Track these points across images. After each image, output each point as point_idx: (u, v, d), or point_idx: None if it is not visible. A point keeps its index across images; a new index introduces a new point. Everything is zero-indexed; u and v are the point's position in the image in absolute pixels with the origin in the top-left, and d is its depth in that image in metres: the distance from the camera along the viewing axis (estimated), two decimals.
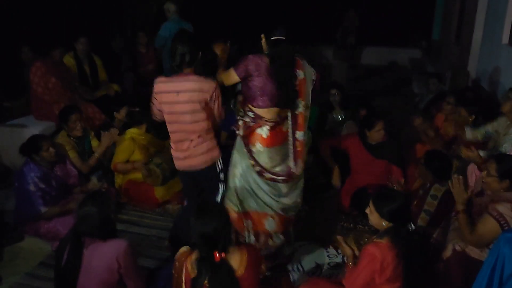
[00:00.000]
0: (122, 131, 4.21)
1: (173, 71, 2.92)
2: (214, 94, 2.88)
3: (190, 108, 2.87)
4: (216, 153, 3.06)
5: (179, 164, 3.07)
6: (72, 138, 3.96)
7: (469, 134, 3.94)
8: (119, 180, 4.14)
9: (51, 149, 3.42)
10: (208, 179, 3.09)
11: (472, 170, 3.45)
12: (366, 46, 11.42)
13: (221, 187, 3.15)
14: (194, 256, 2.22)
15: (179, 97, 2.86)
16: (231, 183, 3.17)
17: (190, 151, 2.97)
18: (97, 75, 5.35)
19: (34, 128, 4.52)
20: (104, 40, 6.66)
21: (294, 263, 3.31)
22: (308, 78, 3.08)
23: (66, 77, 4.74)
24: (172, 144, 3.06)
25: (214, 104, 2.93)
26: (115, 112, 4.51)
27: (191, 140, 2.95)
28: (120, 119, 4.52)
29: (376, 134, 4.00)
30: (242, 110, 3.17)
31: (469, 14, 7.02)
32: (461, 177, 2.80)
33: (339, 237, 2.70)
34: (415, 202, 3.38)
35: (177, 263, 2.28)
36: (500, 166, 2.67)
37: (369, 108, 4.97)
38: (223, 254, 2.16)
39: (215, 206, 2.32)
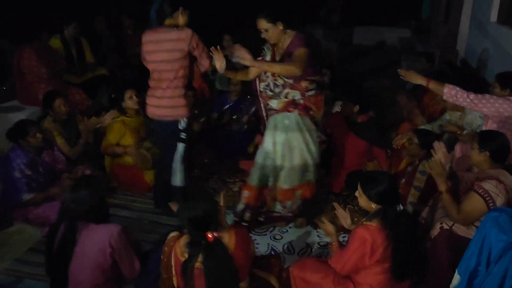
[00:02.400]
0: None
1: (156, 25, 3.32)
2: (192, 41, 3.17)
3: (167, 57, 3.19)
4: (181, 111, 3.35)
5: (150, 111, 3.44)
6: (58, 123, 3.90)
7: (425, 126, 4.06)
8: (108, 165, 4.11)
9: (38, 135, 3.37)
10: (169, 133, 3.41)
11: (460, 147, 3.47)
12: (354, 25, 11.33)
13: (181, 147, 3.39)
14: (183, 240, 2.22)
15: (158, 46, 3.19)
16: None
17: (160, 101, 3.31)
18: (84, 58, 5.28)
19: (19, 112, 4.47)
20: (87, 20, 6.52)
21: (285, 244, 3.34)
22: None
23: (53, 61, 4.67)
24: (148, 91, 3.40)
25: (195, 52, 3.23)
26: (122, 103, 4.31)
27: (164, 89, 3.27)
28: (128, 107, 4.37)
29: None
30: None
31: None
32: (441, 143, 2.84)
33: (323, 218, 2.76)
34: (403, 180, 3.41)
35: (166, 248, 2.28)
36: (481, 137, 2.74)
37: (356, 87, 4.97)
38: (215, 234, 2.16)
39: (201, 189, 2.33)
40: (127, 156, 4.02)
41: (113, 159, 4.09)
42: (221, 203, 2.52)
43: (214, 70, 5.71)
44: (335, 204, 2.79)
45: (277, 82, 3.19)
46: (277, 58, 3.21)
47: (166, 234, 2.45)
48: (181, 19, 3.25)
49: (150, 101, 3.40)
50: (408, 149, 3.55)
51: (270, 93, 3.24)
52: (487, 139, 2.70)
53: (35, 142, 3.37)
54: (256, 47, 3.24)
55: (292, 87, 3.18)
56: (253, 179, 3.38)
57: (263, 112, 3.40)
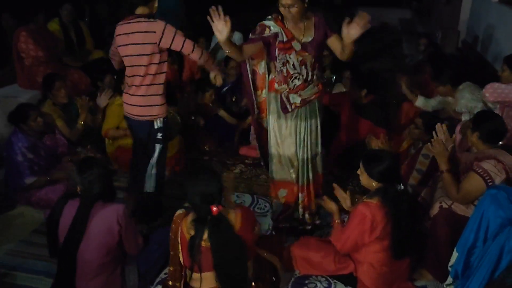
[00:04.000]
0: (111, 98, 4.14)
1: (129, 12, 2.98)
2: (164, 33, 2.82)
3: (137, 51, 2.88)
4: (156, 111, 3.03)
5: (124, 109, 3.13)
6: (58, 106, 3.90)
7: (420, 102, 4.13)
8: (109, 148, 4.13)
9: (39, 119, 3.38)
10: (143, 133, 3.11)
11: (459, 129, 3.47)
12: (355, 6, 11.21)
13: (157, 148, 3.13)
14: (190, 217, 2.25)
15: (129, 39, 2.89)
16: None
17: (132, 99, 3.02)
18: (84, 42, 5.25)
19: (20, 97, 4.46)
20: (88, 5, 6.47)
21: None
22: None
23: (50, 44, 4.65)
24: (123, 87, 3.18)
25: (174, 45, 2.86)
26: (99, 82, 4.42)
27: (137, 87, 2.97)
28: (104, 87, 4.43)
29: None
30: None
31: None
32: (444, 125, 2.82)
33: (324, 197, 2.78)
34: (406, 162, 3.42)
35: (173, 225, 2.31)
36: (474, 118, 2.79)
37: (354, 70, 4.95)
38: (220, 207, 2.18)
39: (206, 166, 2.35)
40: (128, 138, 4.03)
41: (114, 141, 4.11)
42: (227, 184, 2.54)
43: (213, 50, 5.73)
44: (335, 185, 2.79)
45: (307, 63, 2.87)
46: (303, 39, 2.83)
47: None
48: (151, 7, 2.99)
49: (124, 98, 3.10)
50: (412, 133, 3.56)
51: (299, 81, 2.90)
52: (479, 120, 2.73)
53: (36, 126, 3.38)
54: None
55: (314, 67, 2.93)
56: (291, 175, 3.13)
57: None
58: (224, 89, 5.01)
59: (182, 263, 2.32)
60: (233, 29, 5.85)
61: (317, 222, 3.29)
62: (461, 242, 2.40)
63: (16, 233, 3.24)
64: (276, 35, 2.81)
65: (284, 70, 2.89)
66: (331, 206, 2.67)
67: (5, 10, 5.57)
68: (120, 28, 2.95)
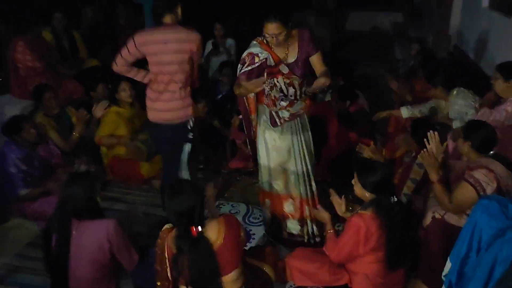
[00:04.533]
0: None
1: (156, 22, 3.06)
2: (199, 44, 3.04)
3: (177, 58, 2.99)
4: (191, 111, 3.21)
5: (155, 116, 3.17)
6: (50, 116, 3.90)
7: (406, 113, 4.02)
8: (105, 157, 4.13)
9: (32, 130, 3.38)
10: (179, 135, 3.24)
11: (451, 137, 3.50)
12: (347, 10, 11.27)
13: (187, 147, 3.30)
14: (173, 233, 2.25)
15: (167, 47, 2.94)
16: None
17: (171, 104, 3.10)
18: (77, 50, 5.25)
19: (13, 106, 4.45)
20: (81, 13, 6.45)
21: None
22: None
23: (46, 53, 4.65)
24: (151, 95, 3.14)
25: (197, 57, 3.10)
26: (91, 92, 4.41)
27: (174, 93, 3.07)
28: (98, 96, 4.43)
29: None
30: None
31: None
32: (435, 133, 2.81)
33: (318, 206, 2.81)
34: (400, 170, 3.44)
35: (159, 240, 2.31)
36: (465, 127, 2.80)
37: (347, 78, 4.98)
38: (199, 228, 2.19)
39: (187, 183, 2.34)
40: (122, 148, 4.03)
41: (109, 151, 4.10)
42: (209, 193, 2.56)
43: (207, 57, 5.76)
44: (331, 191, 2.80)
45: (294, 84, 2.91)
46: (288, 60, 2.87)
47: (158, 227, 2.47)
48: (180, 13, 3.05)
49: (157, 105, 3.13)
50: (404, 140, 3.58)
51: (286, 102, 2.96)
52: (470, 129, 2.75)
53: (29, 137, 3.38)
54: (249, 36, 3.04)
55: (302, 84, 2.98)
56: (276, 188, 3.18)
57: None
58: (219, 96, 5.03)
59: (170, 277, 2.32)
60: (225, 36, 5.95)
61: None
62: (454, 252, 2.42)
63: (11, 246, 3.23)
64: (265, 60, 2.85)
65: (272, 94, 2.95)
66: (324, 215, 2.69)
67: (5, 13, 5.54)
68: (152, 36, 2.95)
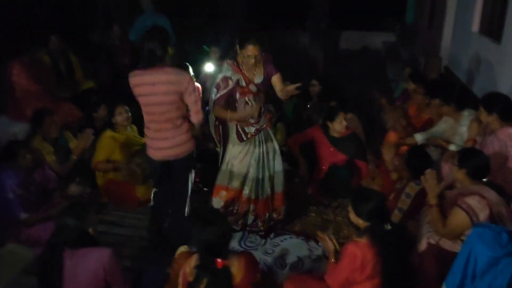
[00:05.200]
0: (102, 130, 4.15)
1: (146, 66, 3.00)
2: (189, 86, 3.00)
3: (167, 99, 3.00)
4: (191, 144, 3.23)
5: (155, 154, 3.20)
6: (48, 141, 3.90)
7: (420, 139, 4.08)
8: (100, 180, 4.12)
9: (28, 156, 3.39)
10: (182, 169, 3.27)
11: (444, 163, 3.56)
12: (340, 30, 11.44)
13: (191, 175, 3.36)
14: (193, 261, 2.26)
15: (156, 89, 2.97)
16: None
17: (168, 141, 3.12)
18: (73, 73, 5.27)
19: (8, 128, 4.45)
20: (78, 34, 6.51)
21: (277, 258, 3.40)
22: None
23: (43, 76, 4.67)
24: (148, 134, 3.17)
25: (189, 98, 3.04)
26: (94, 113, 4.44)
27: (170, 131, 3.09)
28: (99, 118, 4.45)
29: (338, 125, 4.16)
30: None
31: (441, 0, 7.12)
32: (434, 171, 2.92)
33: (319, 233, 2.79)
34: (392, 196, 3.48)
35: (175, 264, 2.33)
36: (460, 155, 2.84)
37: (339, 99, 5.04)
38: (225, 261, 2.20)
39: (216, 214, 2.36)
40: (118, 172, 4.04)
41: (104, 174, 4.11)
42: None
43: (202, 80, 5.83)
44: (319, 234, 2.79)
45: (261, 100, 3.39)
46: (255, 80, 3.33)
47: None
48: (170, 53, 3.12)
49: (156, 144, 3.16)
50: (397, 166, 3.62)
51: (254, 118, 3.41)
52: (465, 157, 2.81)
53: (25, 163, 3.38)
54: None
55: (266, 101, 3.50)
56: (234, 185, 3.54)
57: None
58: (206, 108, 5.06)
59: None
60: (221, 58, 6.02)
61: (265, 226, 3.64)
62: (449, 278, 2.44)
63: (5, 272, 3.19)
64: (237, 81, 3.29)
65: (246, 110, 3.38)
66: (329, 246, 2.69)
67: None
68: (141, 78, 2.99)
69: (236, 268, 2.25)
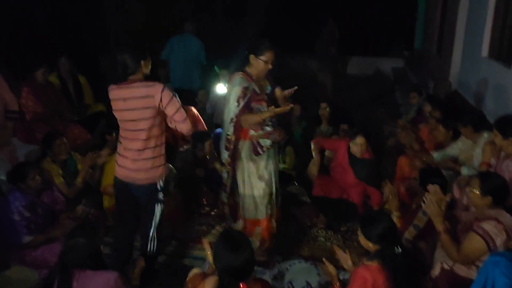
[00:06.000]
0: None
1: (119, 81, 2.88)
2: (162, 97, 2.77)
3: (138, 115, 2.81)
4: (159, 172, 2.98)
5: (120, 172, 3.00)
6: (57, 163, 3.91)
7: (438, 156, 4.08)
8: (107, 203, 4.10)
9: (37, 177, 3.38)
10: (146, 197, 3.03)
11: (457, 186, 3.50)
12: (349, 56, 11.54)
13: (157, 208, 3.08)
14: (211, 283, 2.20)
15: (126, 104, 2.82)
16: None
17: (135, 163, 2.90)
18: (82, 95, 5.33)
19: (19, 150, 4.47)
20: (89, 59, 6.62)
21: (285, 283, 3.32)
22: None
23: (54, 99, 4.72)
24: (118, 150, 3.01)
25: (168, 108, 2.81)
26: (107, 135, 4.44)
27: (138, 151, 2.88)
28: (113, 141, 4.44)
29: (355, 147, 4.09)
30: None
31: (450, 26, 7.16)
32: (433, 195, 2.81)
33: (323, 259, 2.73)
34: (406, 216, 3.41)
35: (189, 285, 2.28)
36: (483, 182, 2.72)
37: (350, 122, 5.04)
38: (247, 285, 2.16)
39: (245, 237, 2.29)
40: None
41: (112, 197, 4.08)
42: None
43: (211, 102, 5.88)
44: (335, 247, 2.78)
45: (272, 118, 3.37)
46: (266, 90, 3.40)
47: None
48: (145, 69, 2.89)
49: (122, 162, 2.96)
50: (412, 186, 3.57)
51: (270, 127, 3.38)
52: (489, 184, 2.70)
53: (34, 185, 3.38)
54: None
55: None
56: (263, 212, 3.46)
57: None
58: (217, 131, 5.07)
59: None
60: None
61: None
62: None
63: None
64: (253, 90, 3.29)
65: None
66: (330, 270, 2.64)
67: (6, 65, 5.67)
68: (115, 93, 2.88)
69: None
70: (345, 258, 2.72)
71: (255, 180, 3.41)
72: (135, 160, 2.91)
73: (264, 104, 3.31)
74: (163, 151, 2.99)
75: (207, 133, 4.79)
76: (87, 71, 5.73)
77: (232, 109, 3.26)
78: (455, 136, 4.11)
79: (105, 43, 8.05)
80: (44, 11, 6.91)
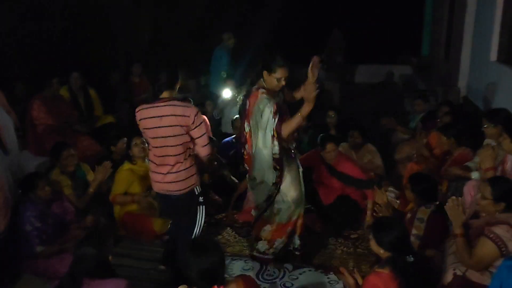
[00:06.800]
0: (121, 163, 4.18)
1: (155, 96, 3.06)
2: (195, 119, 2.98)
3: (173, 131, 2.99)
4: (193, 180, 3.15)
5: (157, 187, 3.19)
6: (66, 174, 3.94)
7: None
8: (117, 213, 4.12)
9: (47, 188, 3.42)
10: (185, 205, 3.18)
11: (468, 191, 3.46)
12: (356, 64, 11.52)
13: (200, 209, 3.23)
14: None
15: (162, 122, 2.98)
16: None
17: (169, 176, 3.07)
18: (92, 108, 5.39)
19: (29, 163, 4.52)
20: (99, 72, 6.72)
21: None
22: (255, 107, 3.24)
23: (65, 111, 4.78)
24: (152, 167, 3.17)
25: (196, 131, 3.03)
26: (112, 146, 4.49)
27: (172, 165, 3.05)
28: (118, 152, 4.49)
29: (328, 155, 4.19)
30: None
31: (457, 31, 7.14)
32: (459, 198, 2.80)
33: (341, 268, 2.69)
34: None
35: None
36: (495, 189, 2.68)
37: (360, 130, 5.02)
38: (222, 287, 2.14)
39: (211, 241, 2.33)
40: (135, 204, 4.04)
41: (122, 207, 4.10)
42: None
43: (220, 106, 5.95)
44: (342, 269, 2.67)
45: None
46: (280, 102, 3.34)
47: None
48: (177, 90, 3.14)
49: (155, 177, 3.15)
50: (406, 194, 3.54)
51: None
52: (501, 189, 2.67)
53: (44, 195, 3.42)
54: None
55: None
56: (284, 217, 3.42)
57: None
58: (232, 151, 5.07)
59: None
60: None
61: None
62: None
63: None
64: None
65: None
66: (349, 280, 2.59)
67: (19, 79, 5.78)
68: (147, 112, 3.03)
69: None
70: (351, 284, 2.57)
71: (293, 180, 3.38)
72: (168, 173, 3.07)
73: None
74: (194, 161, 3.15)
75: (210, 138, 4.77)
76: (97, 84, 5.82)
77: (269, 126, 3.18)
78: (459, 143, 4.06)
79: (115, 58, 8.16)
80: (55, 26, 7.04)
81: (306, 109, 3.10)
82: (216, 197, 4.62)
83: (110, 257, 2.53)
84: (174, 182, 3.08)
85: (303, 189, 3.48)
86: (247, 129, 3.32)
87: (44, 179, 3.48)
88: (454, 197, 2.79)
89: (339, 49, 10.94)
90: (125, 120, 6.06)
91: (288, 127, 3.19)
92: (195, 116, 2.98)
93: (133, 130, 4.68)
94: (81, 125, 5.09)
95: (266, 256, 3.51)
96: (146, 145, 4.14)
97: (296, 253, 3.61)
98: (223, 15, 10.39)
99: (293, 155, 3.41)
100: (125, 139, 4.39)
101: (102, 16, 7.69)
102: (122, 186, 4.02)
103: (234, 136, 5.30)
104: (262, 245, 3.49)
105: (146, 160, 4.19)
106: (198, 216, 3.24)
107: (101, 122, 5.39)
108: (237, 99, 5.91)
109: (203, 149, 3.13)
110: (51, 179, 3.74)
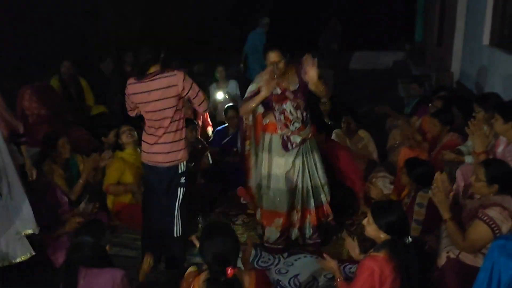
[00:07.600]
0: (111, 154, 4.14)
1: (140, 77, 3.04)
2: (184, 84, 2.99)
3: (163, 105, 3.01)
4: (180, 155, 3.15)
5: (144, 157, 3.23)
6: (58, 164, 3.89)
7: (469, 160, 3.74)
8: (110, 202, 4.10)
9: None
10: (169, 179, 3.19)
11: (461, 174, 3.46)
12: (350, 51, 11.51)
13: (180, 191, 3.23)
14: (203, 276, 2.22)
15: (151, 96, 3.01)
16: None
17: (155, 147, 3.11)
18: (84, 98, 5.33)
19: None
20: (92, 63, 6.63)
21: (291, 277, 3.30)
22: None
23: (55, 102, 4.73)
24: (144, 138, 3.21)
25: (190, 93, 3.05)
26: (103, 137, 4.44)
27: (159, 136, 3.09)
28: (109, 143, 4.44)
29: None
30: None
31: (449, 16, 7.12)
32: (440, 184, 2.74)
33: (324, 253, 2.73)
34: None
35: (184, 283, 2.29)
36: (488, 171, 2.68)
37: (354, 116, 5.00)
38: (235, 269, 2.17)
39: (224, 225, 2.39)
40: (128, 193, 4.02)
41: (115, 197, 4.08)
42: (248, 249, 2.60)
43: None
44: (344, 234, 2.76)
45: (301, 107, 3.39)
46: (291, 87, 3.36)
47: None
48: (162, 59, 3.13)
49: (145, 147, 3.20)
50: (402, 178, 3.54)
51: (299, 124, 3.39)
52: (495, 172, 2.66)
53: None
54: None
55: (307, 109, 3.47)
56: (284, 206, 3.48)
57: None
58: (225, 140, 5.05)
59: None
60: (228, 78, 6.14)
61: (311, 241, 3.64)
62: None
63: None
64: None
65: (283, 118, 3.38)
66: (331, 264, 2.61)
67: (9, 70, 5.71)
68: (137, 87, 3.05)
69: (247, 283, 2.20)
70: (353, 246, 2.70)
71: (278, 173, 3.45)
72: (156, 143, 3.11)
73: (288, 102, 3.36)
74: (183, 135, 3.16)
75: (189, 119, 4.70)
76: (88, 74, 5.75)
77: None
78: (451, 130, 4.06)
79: (106, 46, 8.07)
80: (46, 15, 6.94)
81: (262, 94, 3.24)
82: (203, 181, 4.61)
83: (107, 247, 2.54)
84: (158, 153, 3.11)
85: (296, 185, 3.47)
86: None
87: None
88: (435, 185, 2.73)
89: (335, 36, 10.93)
90: (118, 111, 6.01)
91: (245, 106, 3.41)
92: (183, 81, 2.98)
93: (125, 121, 4.66)
94: (72, 114, 5.03)
95: (265, 244, 3.61)
96: (135, 133, 4.12)
97: (309, 241, 3.65)
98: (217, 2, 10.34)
99: (290, 148, 3.40)
100: (115, 131, 4.35)
101: (92, 3, 7.61)
102: (115, 175, 4.00)
103: (226, 125, 5.27)
104: (258, 229, 3.66)
105: (138, 150, 4.16)
106: (177, 197, 3.21)
107: (93, 112, 5.33)
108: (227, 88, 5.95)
109: (200, 107, 3.21)
110: (43, 170, 3.70)
